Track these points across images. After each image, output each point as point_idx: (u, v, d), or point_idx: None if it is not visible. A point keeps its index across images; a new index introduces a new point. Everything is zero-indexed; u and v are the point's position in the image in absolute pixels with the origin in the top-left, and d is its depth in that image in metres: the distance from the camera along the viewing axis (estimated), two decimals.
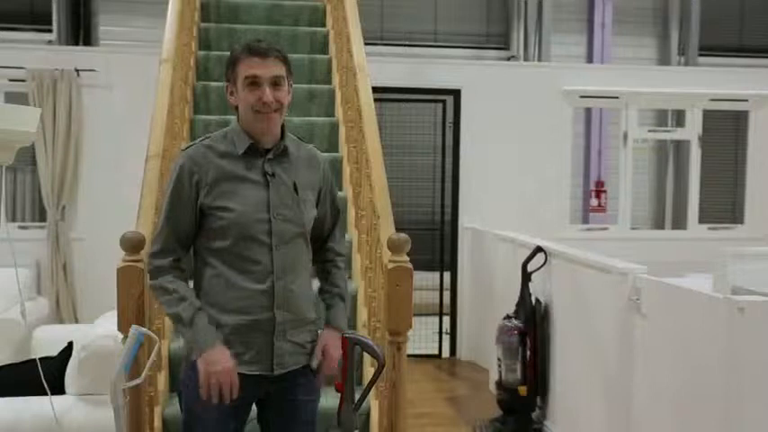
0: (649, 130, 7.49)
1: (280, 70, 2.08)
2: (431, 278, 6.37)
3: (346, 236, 4.02)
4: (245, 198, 2.06)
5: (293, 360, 2.13)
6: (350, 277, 3.88)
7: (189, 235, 2.10)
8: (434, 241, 6.55)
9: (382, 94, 5.50)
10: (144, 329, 2.19)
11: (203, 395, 2.01)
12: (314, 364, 2.15)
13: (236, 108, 2.12)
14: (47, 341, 3.81)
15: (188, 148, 2.13)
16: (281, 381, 2.12)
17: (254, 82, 2.05)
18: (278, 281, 2.07)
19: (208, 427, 2.10)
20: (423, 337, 6.13)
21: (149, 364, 2.25)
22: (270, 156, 2.11)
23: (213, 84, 4.75)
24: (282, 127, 2.15)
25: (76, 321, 5.61)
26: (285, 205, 2.10)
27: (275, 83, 2.06)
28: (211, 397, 2.00)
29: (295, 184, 2.13)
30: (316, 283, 2.29)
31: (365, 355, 3.20)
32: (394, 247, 2.78)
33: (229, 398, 2.01)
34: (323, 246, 2.29)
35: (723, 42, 8.60)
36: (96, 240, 5.54)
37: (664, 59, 8.55)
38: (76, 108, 5.71)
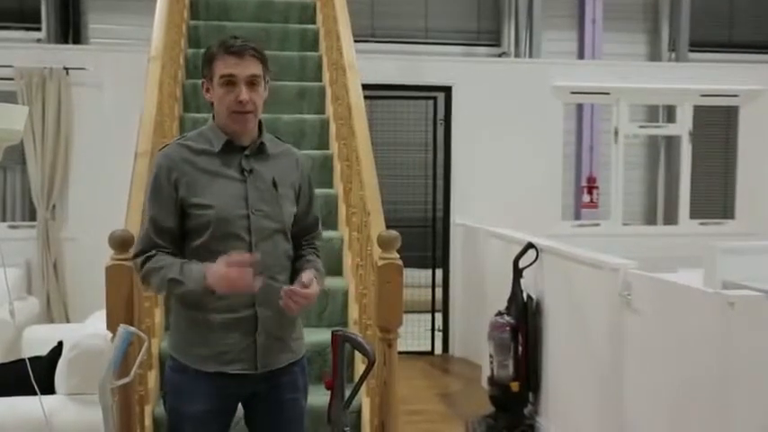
0: (640, 126, 7.51)
1: (256, 69, 2.07)
2: (423, 275, 6.37)
3: (336, 233, 4.02)
4: (223, 194, 2.05)
5: (277, 358, 2.12)
6: (341, 274, 3.87)
7: (173, 234, 2.07)
8: (426, 238, 6.54)
9: (373, 91, 5.49)
10: (132, 328, 2.18)
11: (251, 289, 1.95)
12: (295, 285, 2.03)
13: (212, 104, 2.12)
14: (37, 341, 3.78)
15: (164, 147, 2.13)
16: (266, 380, 2.12)
17: (230, 81, 2.04)
18: (257, 276, 2.04)
19: (195, 428, 2.08)
20: (415, 334, 6.12)
21: (138, 362, 2.24)
22: (247, 152, 2.11)
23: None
24: (260, 124, 2.15)
25: (67, 321, 5.58)
26: (263, 201, 2.09)
27: (251, 82, 2.06)
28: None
29: (274, 180, 2.12)
30: None
31: (356, 352, 3.19)
32: (384, 243, 2.78)
33: (257, 282, 1.95)
34: (299, 240, 2.24)
35: (713, 38, 8.62)
36: (86, 239, 5.50)
37: (654, 55, 8.57)
38: (66, 107, 5.67)
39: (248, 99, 2.05)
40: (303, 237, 2.25)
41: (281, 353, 2.13)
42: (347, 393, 2.15)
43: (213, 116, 2.15)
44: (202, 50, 4.87)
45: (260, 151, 2.13)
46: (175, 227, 2.07)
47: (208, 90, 2.11)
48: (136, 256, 2.10)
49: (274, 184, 2.12)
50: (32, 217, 5.92)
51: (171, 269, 2.01)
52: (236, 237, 2.05)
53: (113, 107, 5.62)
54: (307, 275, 2.05)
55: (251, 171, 2.10)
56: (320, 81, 4.89)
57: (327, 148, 4.49)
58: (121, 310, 2.56)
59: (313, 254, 2.26)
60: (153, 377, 3.08)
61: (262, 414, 2.17)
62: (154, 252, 2.06)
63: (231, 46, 2.05)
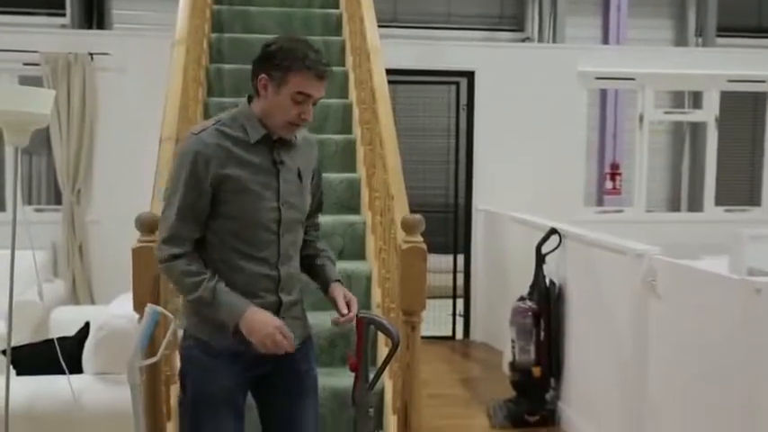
0: (665, 112, 7.42)
1: (324, 91, 2.08)
2: (444, 261, 6.37)
3: (359, 217, 4.04)
4: (258, 187, 2.06)
5: (296, 335, 2.13)
6: (364, 258, 3.89)
7: (200, 222, 2.05)
8: (448, 224, 6.54)
9: (396, 76, 5.48)
10: (160, 308, 2.20)
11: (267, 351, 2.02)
12: (344, 311, 2.15)
13: (258, 96, 2.07)
14: (64, 322, 3.84)
15: (201, 132, 2.06)
16: (285, 355, 2.13)
17: (303, 99, 2.03)
18: (282, 266, 2.12)
19: (226, 404, 2.11)
20: (437, 319, 6.14)
21: (164, 343, 2.27)
22: (277, 144, 2.12)
23: (226, 66, 4.75)
24: None
25: (93, 303, 5.66)
26: (291, 193, 2.13)
27: (315, 101, 2.07)
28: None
29: (299, 171, 2.15)
30: None
31: (379, 335, 3.21)
32: (408, 227, 2.78)
33: (293, 347, 2.05)
34: (306, 228, 2.29)
35: (741, 23, 8.49)
36: (111, 222, 5.57)
37: (681, 40, 8.46)
38: (90, 91, 5.72)
39: (310, 118, 2.06)
40: (310, 218, 2.29)
41: (298, 329, 2.16)
42: (371, 375, 2.16)
43: (249, 100, 2.11)
44: (226, 35, 4.97)
45: (287, 142, 2.14)
46: (204, 215, 2.05)
47: (266, 87, 2.05)
48: (165, 242, 2.05)
49: (299, 176, 2.15)
50: (58, 200, 5.99)
51: (204, 286, 2.00)
52: (265, 228, 2.08)
53: (137, 92, 5.65)
54: (340, 300, 2.17)
55: (282, 162, 2.11)
56: (343, 66, 4.89)
57: (350, 133, 4.50)
58: (148, 292, 2.59)
59: (320, 242, 2.33)
60: (178, 358, 3.12)
61: (280, 388, 2.19)
62: (183, 250, 2.03)
63: (317, 69, 2.01)
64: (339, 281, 2.25)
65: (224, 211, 2.05)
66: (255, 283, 2.07)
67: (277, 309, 2.10)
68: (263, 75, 2.05)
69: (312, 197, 2.25)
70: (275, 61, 2.02)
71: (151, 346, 2.33)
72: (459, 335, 6.28)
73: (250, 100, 2.12)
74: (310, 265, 2.27)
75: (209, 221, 2.08)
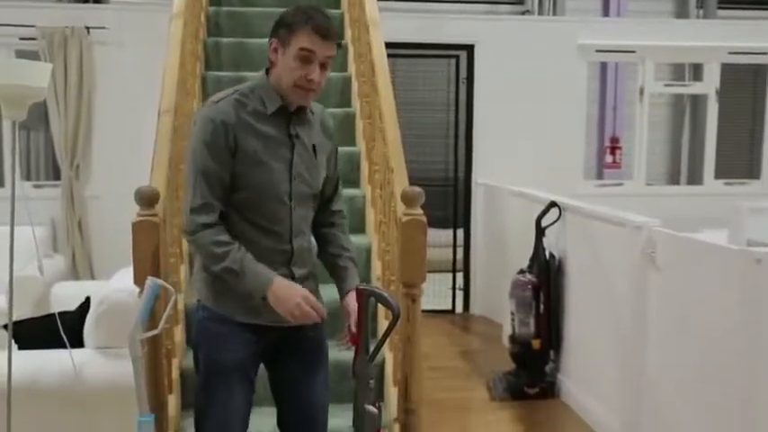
0: (666, 85, 7.39)
1: (333, 51, 2.07)
2: (444, 235, 6.38)
3: (359, 191, 4.03)
4: (272, 159, 2.07)
5: None
6: (363, 232, 3.89)
7: (226, 190, 2.05)
8: (447, 198, 6.54)
9: (395, 49, 5.43)
10: (160, 281, 2.20)
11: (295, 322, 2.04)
12: (354, 327, 2.15)
13: (272, 64, 2.09)
14: (64, 297, 3.84)
15: (220, 101, 2.07)
16: (296, 328, 2.15)
17: (307, 57, 2.02)
18: (295, 239, 2.13)
19: (238, 373, 2.12)
20: (437, 292, 6.16)
21: (165, 315, 2.27)
22: (293, 117, 2.12)
23: (225, 40, 4.70)
24: None
25: (93, 278, 5.68)
26: (304, 167, 2.13)
27: (324, 63, 2.05)
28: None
29: (314, 147, 2.16)
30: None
31: (379, 309, 3.22)
32: (408, 199, 2.77)
33: (322, 316, 2.07)
34: (327, 207, 2.30)
35: None
36: (111, 197, 5.57)
37: (681, 12, 8.37)
38: (88, 66, 5.69)
39: (318, 80, 2.04)
40: (329, 196, 2.29)
41: None
42: (372, 347, 2.17)
43: (267, 72, 2.11)
44: (224, 8, 4.92)
45: (302, 116, 2.14)
46: (228, 186, 2.05)
47: (276, 51, 2.06)
48: (195, 211, 2.03)
49: (314, 151, 2.16)
50: (57, 176, 5.99)
51: (232, 256, 2.00)
52: (278, 200, 2.09)
53: (135, 66, 5.62)
54: (352, 316, 2.16)
55: (297, 136, 2.12)
56: (342, 38, 4.85)
57: (349, 106, 4.47)
58: (148, 266, 2.58)
59: (345, 237, 2.31)
60: (179, 332, 3.14)
61: (292, 360, 2.21)
62: (212, 220, 2.03)
63: (320, 27, 2.01)
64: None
65: (239, 183, 2.06)
66: (269, 256, 2.08)
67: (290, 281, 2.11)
68: (273, 39, 2.08)
69: (328, 178, 2.25)
70: (283, 24, 2.05)
71: (152, 319, 2.33)
72: (459, 308, 6.32)
73: (268, 72, 2.12)
74: (333, 264, 2.27)
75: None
